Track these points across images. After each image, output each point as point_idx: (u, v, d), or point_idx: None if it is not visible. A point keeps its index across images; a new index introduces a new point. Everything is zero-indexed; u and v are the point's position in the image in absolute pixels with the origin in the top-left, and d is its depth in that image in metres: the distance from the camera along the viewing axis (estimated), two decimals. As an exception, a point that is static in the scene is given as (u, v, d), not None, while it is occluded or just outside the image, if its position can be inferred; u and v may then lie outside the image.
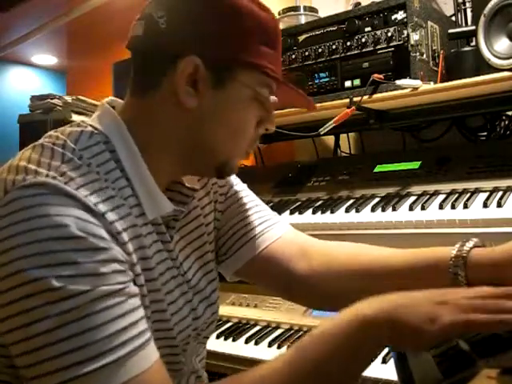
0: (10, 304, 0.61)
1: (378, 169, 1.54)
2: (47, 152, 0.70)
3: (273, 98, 0.86)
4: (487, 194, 1.22)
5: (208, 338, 0.94)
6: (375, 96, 1.39)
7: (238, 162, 0.86)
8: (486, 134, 1.63)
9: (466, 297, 0.64)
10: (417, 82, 1.32)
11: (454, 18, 1.56)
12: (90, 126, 0.76)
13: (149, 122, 0.78)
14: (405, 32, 1.38)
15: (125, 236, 0.69)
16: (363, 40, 1.45)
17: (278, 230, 0.98)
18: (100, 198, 0.67)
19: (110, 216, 0.67)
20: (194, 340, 0.86)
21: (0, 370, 0.69)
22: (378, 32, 1.42)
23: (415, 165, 1.48)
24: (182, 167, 0.82)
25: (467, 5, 1.52)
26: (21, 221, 0.62)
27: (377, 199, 1.39)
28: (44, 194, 0.64)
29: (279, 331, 1.33)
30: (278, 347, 1.26)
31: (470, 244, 0.81)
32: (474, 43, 1.36)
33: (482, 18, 1.28)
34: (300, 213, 1.44)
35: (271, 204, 1.58)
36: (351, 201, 1.42)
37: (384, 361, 1.08)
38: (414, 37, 1.36)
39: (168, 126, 0.77)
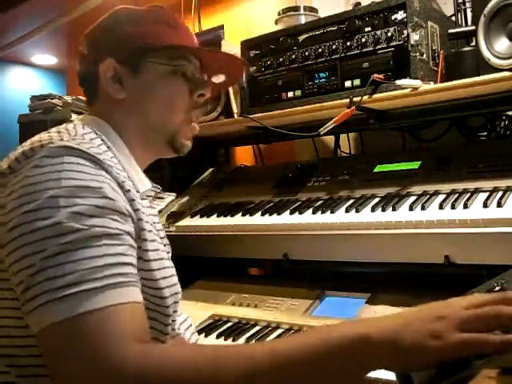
0: (19, 237, 0.71)
1: (378, 169, 1.53)
2: (55, 134, 0.82)
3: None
4: (487, 194, 1.22)
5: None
6: (375, 96, 1.39)
7: (188, 135, 1.01)
8: (486, 133, 1.63)
9: (463, 306, 0.64)
10: (417, 82, 1.32)
11: (454, 18, 1.55)
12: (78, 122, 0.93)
13: (107, 121, 0.95)
14: (405, 32, 1.37)
15: (132, 194, 0.83)
16: (363, 40, 1.44)
17: None
18: (107, 161, 0.81)
19: (119, 177, 0.81)
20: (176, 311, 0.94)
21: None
22: (378, 32, 1.42)
23: (415, 165, 1.47)
24: (148, 151, 1.00)
25: (467, 5, 1.52)
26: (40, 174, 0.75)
27: (377, 199, 1.38)
28: (63, 155, 0.76)
29: (279, 331, 1.33)
30: (278, 347, 1.25)
31: None
32: (473, 43, 1.36)
33: (482, 18, 1.28)
34: (300, 213, 1.43)
35: (271, 204, 1.58)
36: (351, 201, 1.41)
37: (384, 361, 1.08)
38: (414, 37, 1.36)
39: (119, 119, 0.95)
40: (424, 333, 0.61)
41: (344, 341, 0.64)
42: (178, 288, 0.95)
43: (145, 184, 0.95)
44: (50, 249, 0.68)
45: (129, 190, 0.82)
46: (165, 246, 0.97)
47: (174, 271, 0.95)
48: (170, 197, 1.07)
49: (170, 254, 1.00)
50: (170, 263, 0.95)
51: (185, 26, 1.02)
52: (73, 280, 0.67)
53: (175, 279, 0.94)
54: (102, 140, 0.89)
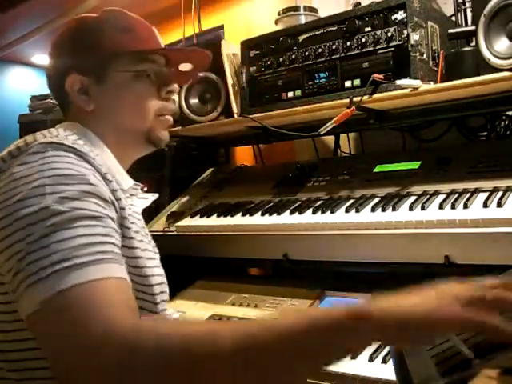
0: (8, 226, 0.73)
1: (378, 169, 1.53)
2: (39, 135, 0.86)
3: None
4: (487, 194, 1.22)
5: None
6: (375, 96, 1.39)
7: (163, 126, 1.03)
8: (486, 133, 1.63)
9: (464, 289, 0.64)
10: (417, 82, 1.32)
11: (454, 18, 1.55)
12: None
13: (84, 126, 0.98)
14: (405, 32, 1.37)
15: (115, 185, 0.86)
16: (363, 40, 1.44)
17: None
18: (90, 154, 0.85)
19: (101, 168, 0.85)
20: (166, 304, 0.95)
21: None
22: (378, 32, 1.42)
23: (415, 165, 1.47)
24: (128, 151, 1.03)
25: (467, 5, 1.52)
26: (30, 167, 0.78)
27: (377, 199, 1.38)
28: (48, 149, 0.79)
29: (279, 331, 1.33)
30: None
31: None
32: (473, 43, 1.36)
33: (482, 18, 1.28)
34: (300, 213, 1.43)
35: (271, 204, 1.58)
36: (351, 201, 1.41)
37: (384, 361, 1.08)
38: (414, 37, 1.36)
39: (94, 126, 0.98)
40: (432, 306, 0.62)
41: (333, 316, 0.63)
42: (164, 279, 0.97)
43: (127, 182, 0.99)
44: (36, 233, 0.70)
45: (111, 181, 0.86)
46: (149, 242, 0.99)
47: (158, 263, 0.98)
48: (153, 197, 1.08)
49: (158, 255, 1.02)
50: (154, 256, 0.97)
51: (143, 26, 1.03)
52: (55, 259, 0.68)
53: (159, 270, 0.96)
54: (84, 142, 0.92)
